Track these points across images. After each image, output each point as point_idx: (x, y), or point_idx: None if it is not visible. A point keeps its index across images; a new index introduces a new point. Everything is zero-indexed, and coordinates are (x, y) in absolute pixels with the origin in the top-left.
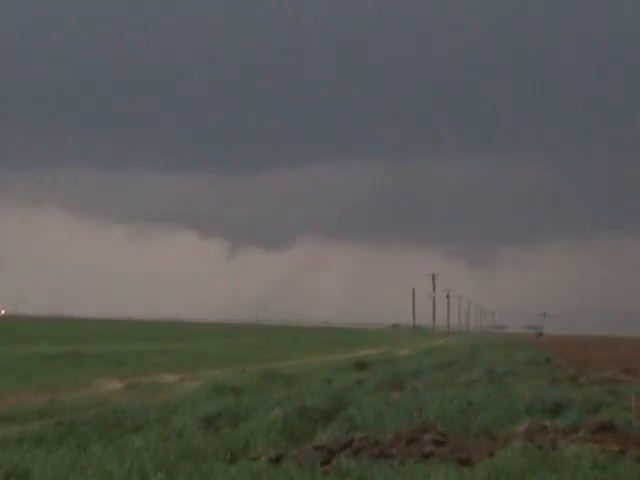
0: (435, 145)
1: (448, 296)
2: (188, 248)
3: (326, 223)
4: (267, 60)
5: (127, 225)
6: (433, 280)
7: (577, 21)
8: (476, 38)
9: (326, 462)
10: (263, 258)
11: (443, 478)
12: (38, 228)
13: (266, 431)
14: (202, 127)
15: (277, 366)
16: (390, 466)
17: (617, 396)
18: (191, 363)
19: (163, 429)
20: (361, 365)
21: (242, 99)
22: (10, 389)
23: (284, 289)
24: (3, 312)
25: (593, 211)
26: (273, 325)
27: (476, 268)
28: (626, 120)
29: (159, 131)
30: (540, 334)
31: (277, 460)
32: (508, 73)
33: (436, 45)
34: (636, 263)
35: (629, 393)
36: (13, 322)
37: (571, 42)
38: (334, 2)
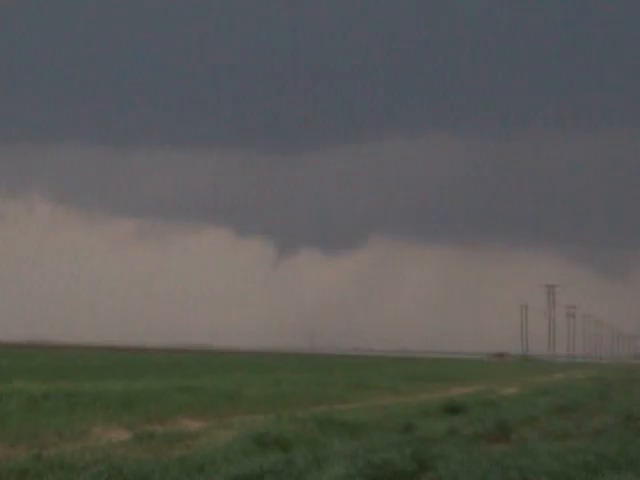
0: (553, 116)
1: (571, 315)
2: (218, 251)
3: (402, 219)
4: None
5: (135, 221)
6: (550, 294)
7: None
8: None
9: None
10: (319, 265)
11: None
12: (14, 226)
13: None
14: (236, 93)
15: (338, 410)
16: None
17: None
18: (222, 406)
19: None
20: (453, 408)
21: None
22: None
23: (346, 306)
24: None
25: None
26: (332, 354)
27: (609, 278)
28: None
29: (176, 99)
30: None
31: None
32: None
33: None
34: None
35: None
36: None
37: None
38: None
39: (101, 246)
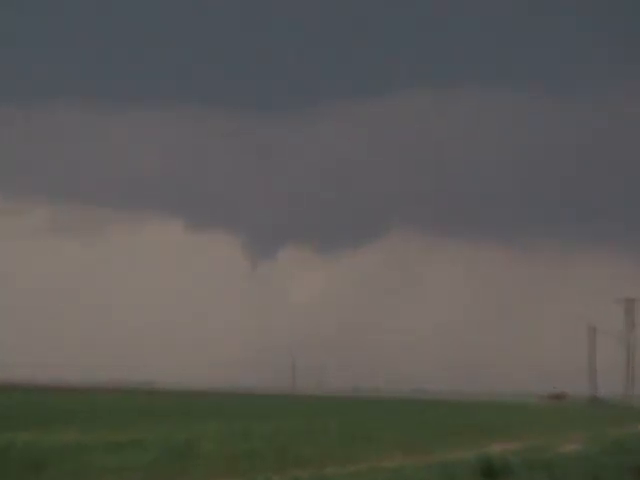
0: None
1: None
2: (165, 251)
3: (428, 208)
4: None
5: (47, 208)
6: (629, 311)
7: None
8: None
9: None
10: (307, 270)
11: None
12: None
13: None
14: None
15: (329, 475)
16: None
17: None
18: (168, 468)
19: None
20: (490, 472)
21: None
22: None
23: (344, 329)
24: None
25: None
26: (322, 395)
27: None
28: None
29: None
30: None
31: None
32: None
33: None
34: None
35: None
36: None
37: None
38: None
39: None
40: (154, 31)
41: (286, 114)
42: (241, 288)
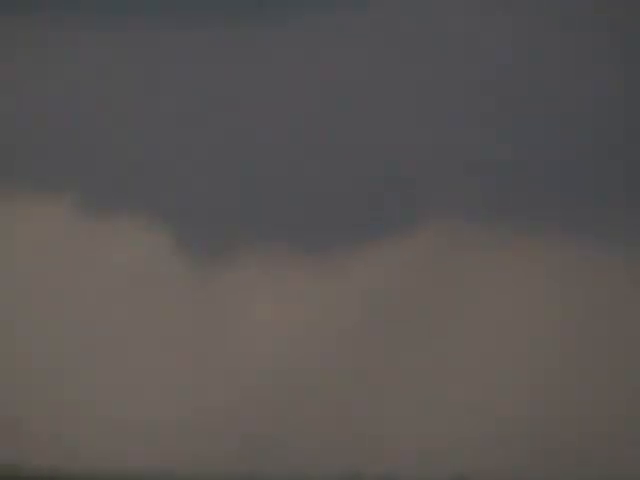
0: None
1: None
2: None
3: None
4: None
5: None
6: None
7: None
8: None
9: None
10: (277, 283)
11: None
12: None
13: None
14: None
15: None
16: None
17: None
18: None
19: None
20: None
21: None
22: None
23: (333, 381)
24: None
25: None
26: None
27: None
28: None
29: None
30: None
31: None
32: None
33: None
34: None
35: None
36: None
37: None
38: None
39: None
40: None
41: None
42: (173, 315)
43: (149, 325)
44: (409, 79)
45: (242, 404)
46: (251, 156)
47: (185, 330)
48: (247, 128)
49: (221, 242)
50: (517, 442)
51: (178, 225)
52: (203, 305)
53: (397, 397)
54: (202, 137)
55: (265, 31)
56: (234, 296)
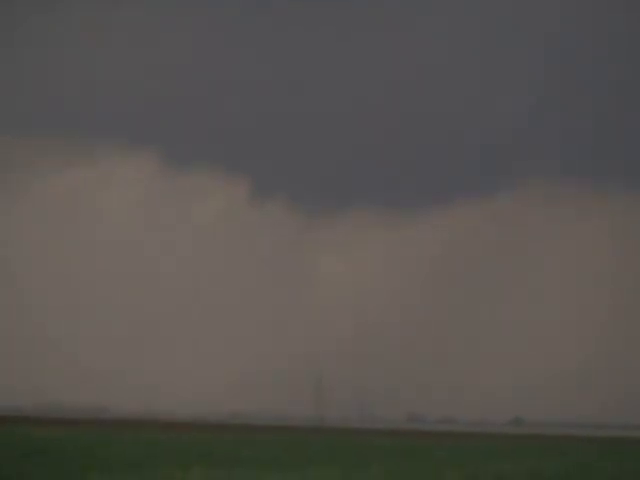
0: None
1: None
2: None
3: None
4: None
5: None
6: None
7: None
8: None
9: None
10: (364, 240)
11: None
12: None
13: None
14: None
15: None
16: None
17: None
18: None
19: None
20: None
21: None
22: None
23: (403, 336)
24: None
25: None
26: (361, 429)
27: None
28: None
29: None
30: None
31: None
32: None
33: None
34: None
35: None
36: None
37: None
38: None
39: None
40: None
41: None
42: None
43: (229, 277)
44: (507, 54)
45: (324, 354)
46: (339, 119)
47: (265, 282)
48: (341, 94)
49: (302, 196)
50: (571, 389)
51: (256, 178)
52: (283, 257)
53: (467, 347)
54: (284, 100)
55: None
56: (313, 248)
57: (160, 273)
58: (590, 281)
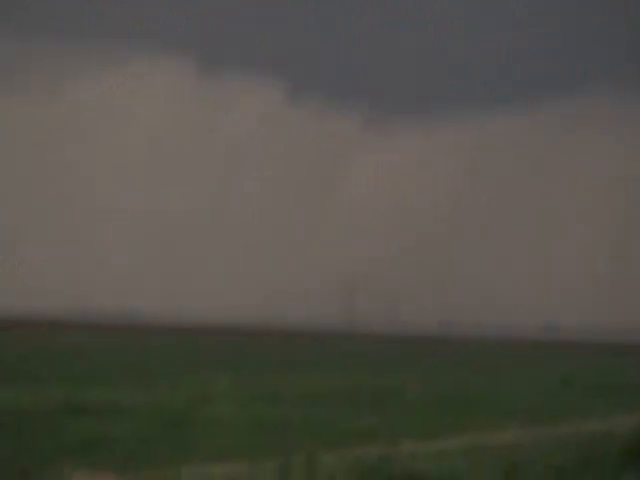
0: None
1: None
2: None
3: None
4: None
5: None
6: None
7: None
8: None
9: None
10: (402, 146)
11: None
12: None
13: None
14: None
15: (403, 454)
16: None
17: None
18: (160, 445)
19: None
20: None
21: None
22: None
23: (430, 242)
24: None
25: None
26: (391, 335)
27: None
28: None
29: None
30: None
31: None
32: None
33: None
34: None
35: None
36: None
37: None
38: None
39: None
40: None
41: None
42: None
43: (265, 178)
44: None
45: (355, 260)
46: (377, 32)
47: (298, 186)
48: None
49: (335, 99)
50: (588, 297)
51: (292, 80)
52: (316, 159)
53: (495, 257)
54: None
55: None
56: (347, 149)
57: (195, 178)
58: (623, 192)
